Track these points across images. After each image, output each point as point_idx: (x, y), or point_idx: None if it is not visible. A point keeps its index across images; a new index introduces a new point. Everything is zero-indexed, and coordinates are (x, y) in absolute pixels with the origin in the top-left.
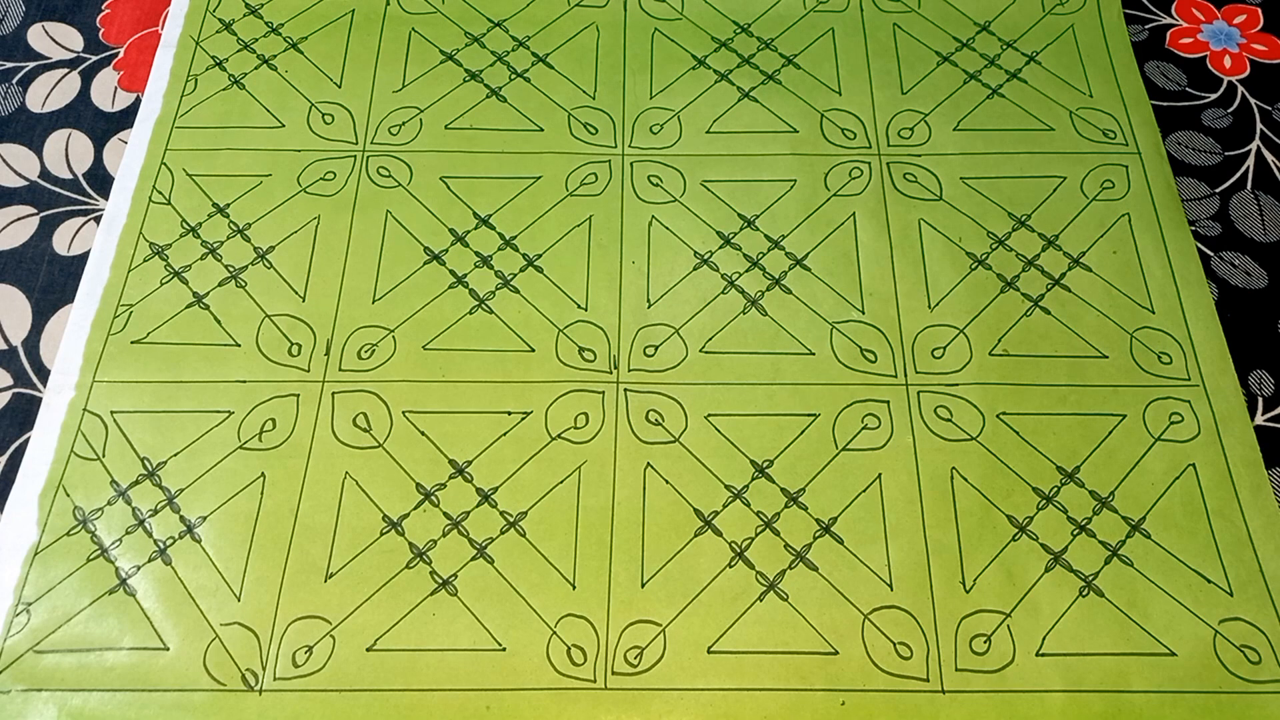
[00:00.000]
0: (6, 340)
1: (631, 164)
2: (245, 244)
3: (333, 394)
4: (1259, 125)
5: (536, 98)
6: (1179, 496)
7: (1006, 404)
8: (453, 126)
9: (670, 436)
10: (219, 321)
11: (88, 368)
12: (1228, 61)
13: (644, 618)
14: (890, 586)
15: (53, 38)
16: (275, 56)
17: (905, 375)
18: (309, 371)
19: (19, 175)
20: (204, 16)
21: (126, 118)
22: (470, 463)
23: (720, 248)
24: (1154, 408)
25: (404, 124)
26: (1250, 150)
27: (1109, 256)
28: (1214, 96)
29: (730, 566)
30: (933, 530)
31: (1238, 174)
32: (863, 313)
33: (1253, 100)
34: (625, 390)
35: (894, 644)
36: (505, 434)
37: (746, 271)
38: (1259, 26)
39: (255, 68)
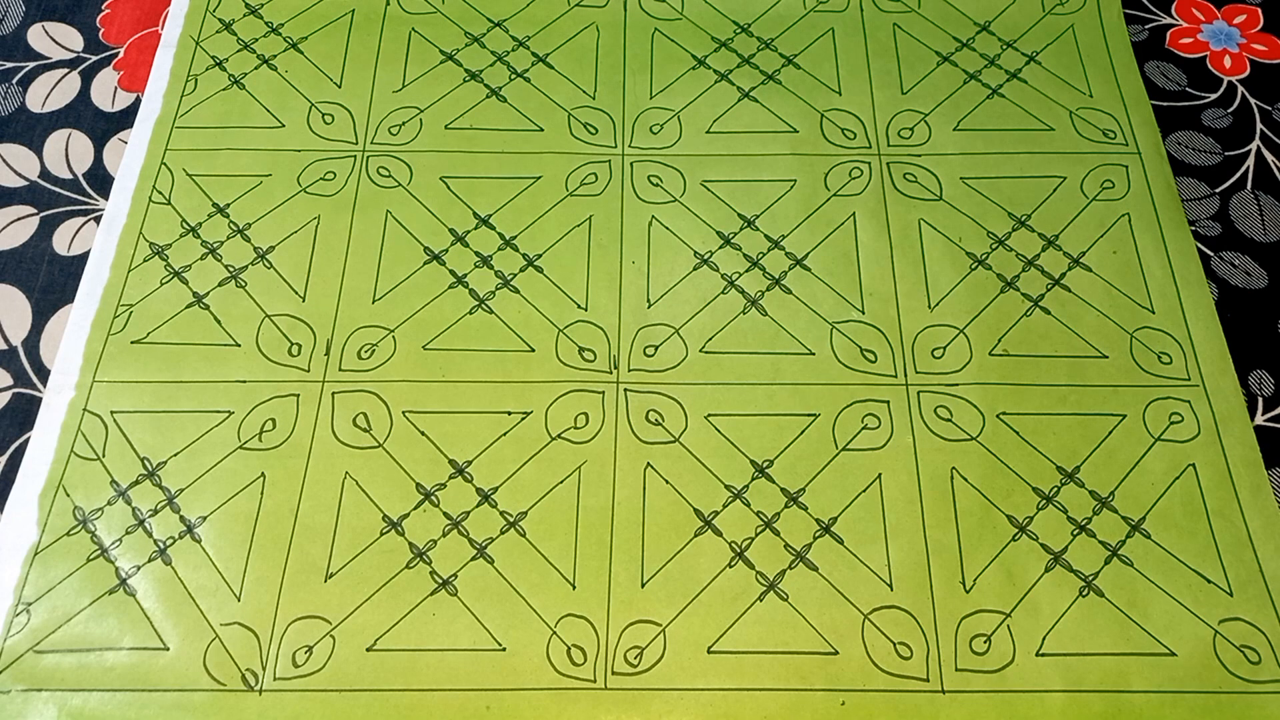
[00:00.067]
0: (6, 340)
1: (631, 164)
2: (245, 244)
3: (333, 394)
4: (1259, 125)
5: (536, 98)
6: (1179, 496)
7: (1006, 404)
8: (453, 126)
9: (670, 436)
10: (219, 321)
11: (88, 368)
12: (1228, 61)
13: (644, 618)
14: (890, 586)
15: (53, 38)
16: (275, 56)
17: (905, 375)
18: (309, 371)
19: (19, 175)
20: (204, 16)
21: (126, 118)
22: (470, 463)
23: (720, 248)
24: (1154, 408)
25: (404, 124)
26: (1250, 150)
27: (1109, 256)
28: (1214, 96)
29: (730, 566)
30: (933, 530)
31: (1238, 174)
32: (863, 313)
33: (1253, 100)
34: (625, 390)
35: (894, 644)
36: (505, 434)
37: (746, 271)
38: (1259, 26)
39: (255, 68)
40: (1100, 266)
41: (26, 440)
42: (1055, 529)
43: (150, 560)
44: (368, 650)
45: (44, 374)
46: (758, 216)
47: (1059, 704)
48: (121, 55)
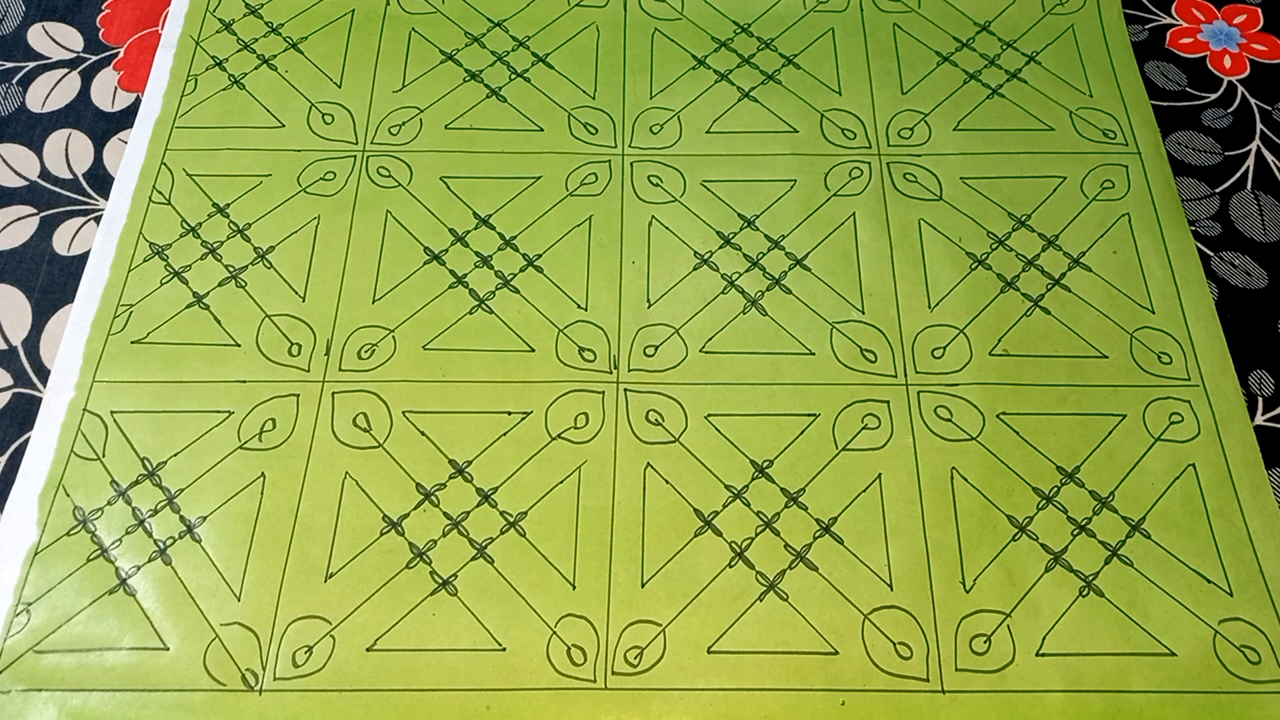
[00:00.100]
0: (6, 340)
1: (631, 164)
2: (245, 244)
3: (333, 394)
4: (1259, 125)
5: (536, 98)
6: (1179, 496)
7: (1006, 404)
8: (453, 126)
9: (670, 436)
10: (219, 321)
11: (88, 368)
12: (1228, 61)
13: (644, 618)
14: (890, 586)
15: (53, 38)
16: (275, 56)
17: (905, 375)
18: (309, 371)
19: (19, 175)
20: (204, 16)
21: (126, 118)
22: (470, 463)
23: (720, 248)
24: (1154, 408)
25: (404, 124)
26: (1250, 150)
27: (1109, 256)
28: (1214, 96)
29: (730, 566)
30: (933, 530)
31: (1238, 174)
32: (863, 313)
33: (1253, 100)
34: (625, 390)
35: (894, 644)
36: (505, 434)
37: (746, 271)
38: (1259, 26)
39: (255, 68)
40: (1100, 266)
41: (26, 440)
42: (1055, 529)
43: (150, 560)
44: (368, 650)
45: (44, 374)
46: (758, 216)
47: (1059, 704)
48: (121, 55)
